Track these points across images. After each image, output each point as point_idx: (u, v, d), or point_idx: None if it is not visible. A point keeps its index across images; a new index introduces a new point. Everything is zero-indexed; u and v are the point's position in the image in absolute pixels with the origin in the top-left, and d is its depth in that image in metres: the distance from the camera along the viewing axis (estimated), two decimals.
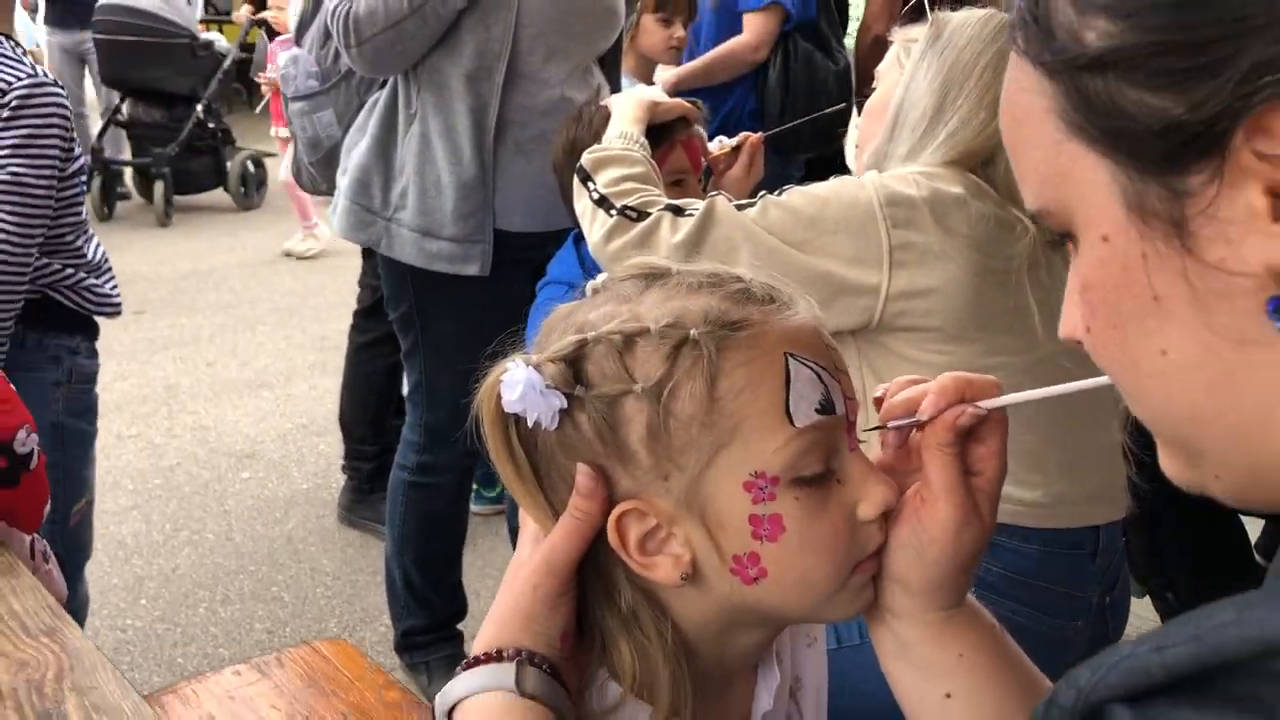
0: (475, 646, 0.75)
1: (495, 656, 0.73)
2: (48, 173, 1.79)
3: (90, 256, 1.97)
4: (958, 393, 0.75)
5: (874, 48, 3.86)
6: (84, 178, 1.95)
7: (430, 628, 2.54)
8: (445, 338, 2.33)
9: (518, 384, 0.72)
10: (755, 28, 3.47)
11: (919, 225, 1.49)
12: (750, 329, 0.74)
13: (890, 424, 0.78)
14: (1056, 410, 1.44)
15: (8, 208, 1.74)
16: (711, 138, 3.29)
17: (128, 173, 7.46)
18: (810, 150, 3.54)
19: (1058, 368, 1.52)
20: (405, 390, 2.53)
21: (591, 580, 0.77)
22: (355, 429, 3.30)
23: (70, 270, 1.92)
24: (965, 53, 1.62)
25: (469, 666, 0.73)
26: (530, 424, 0.74)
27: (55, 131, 1.80)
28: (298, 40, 2.48)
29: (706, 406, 0.72)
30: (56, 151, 1.80)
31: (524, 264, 2.28)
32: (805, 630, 0.90)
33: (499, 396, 0.74)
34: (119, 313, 2.01)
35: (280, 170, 5.38)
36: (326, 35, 2.35)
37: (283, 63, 2.44)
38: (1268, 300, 0.49)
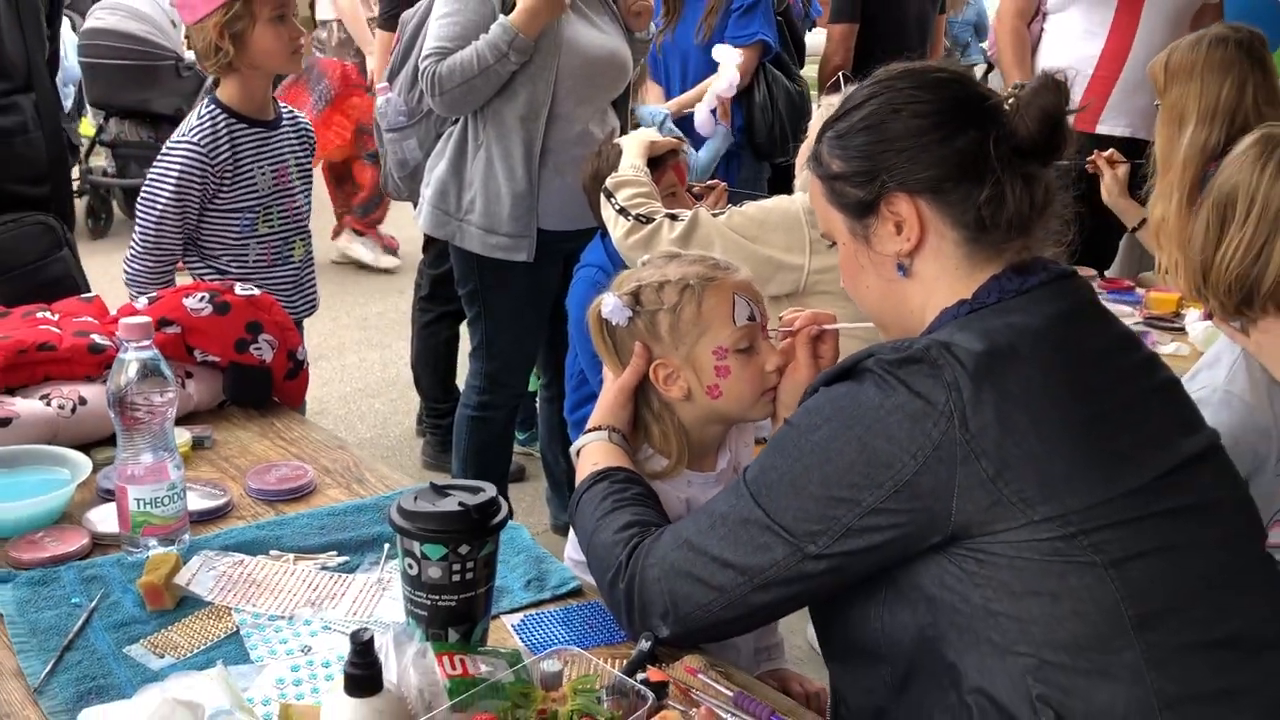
0: (588, 426, 1.59)
1: (598, 428, 1.58)
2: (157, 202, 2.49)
3: (235, 273, 2.55)
4: (812, 320, 1.61)
5: (834, 74, 4.70)
6: (238, 216, 2.55)
7: None
8: (501, 308, 3.16)
9: (610, 304, 1.57)
10: (742, 60, 4.27)
11: None
12: (718, 280, 1.60)
13: (781, 330, 1.63)
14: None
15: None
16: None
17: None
18: (780, 157, 4.38)
19: None
20: (470, 349, 3.35)
21: (640, 400, 1.62)
22: (431, 391, 4.13)
23: (213, 276, 2.58)
24: None
25: (585, 433, 1.58)
26: (613, 324, 1.58)
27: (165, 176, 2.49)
28: (389, 85, 3.32)
29: (696, 316, 1.57)
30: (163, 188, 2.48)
31: (557, 254, 3.11)
32: (745, 438, 1.75)
33: (600, 310, 1.58)
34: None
35: None
36: (413, 83, 3.18)
37: (379, 103, 3.28)
38: (896, 264, 1.35)
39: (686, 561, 1.32)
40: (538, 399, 3.72)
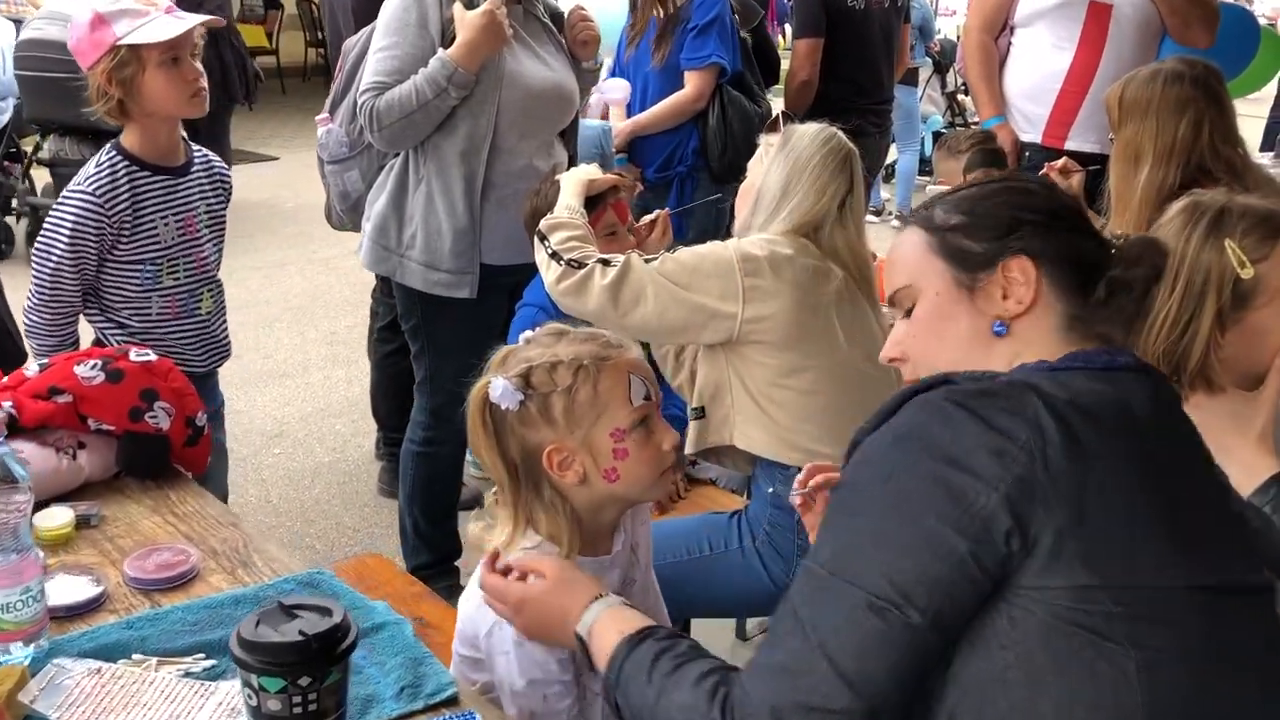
0: (577, 602, 1.42)
1: (596, 598, 1.39)
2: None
3: (136, 327, 2.46)
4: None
5: (801, 89, 4.63)
6: (139, 268, 2.44)
7: (433, 563, 3.29)
8: (444, 343, 3.08)
9: (499, 387, 1.50)
10: (697, 83, 4.11)
11: (761, 274, 2.25)
12: (612, 359, 1.52)
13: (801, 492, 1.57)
14: (844, 402, 2.22)
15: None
16: (661, 169, 4.20)
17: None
18: (736, 182, 4.30)
19: (853, 368, 2.30)
20: (416, 383, 3.28)
21: (529, 489, 1.54)
22: (389, 420, 4.06)
23: (113, 330, 2.48)
24: (803, 155, 2.37)
25: (583, 610, 1.40)
26: (503, 409, 1.50)
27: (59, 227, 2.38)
28: (330, 116, 3.24)
29: (592, 397, 1.50)
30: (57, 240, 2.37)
31: (502, 288, 3.04)
32: (641, 518, 1.68)
33: (486, 394, 1.50)
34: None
35: None
36: (354, 115, 3.10)
37: (320, 134, 3.20)
38: (993, 323, 1.30)
39: (795, 690, 1.15)
40: None
